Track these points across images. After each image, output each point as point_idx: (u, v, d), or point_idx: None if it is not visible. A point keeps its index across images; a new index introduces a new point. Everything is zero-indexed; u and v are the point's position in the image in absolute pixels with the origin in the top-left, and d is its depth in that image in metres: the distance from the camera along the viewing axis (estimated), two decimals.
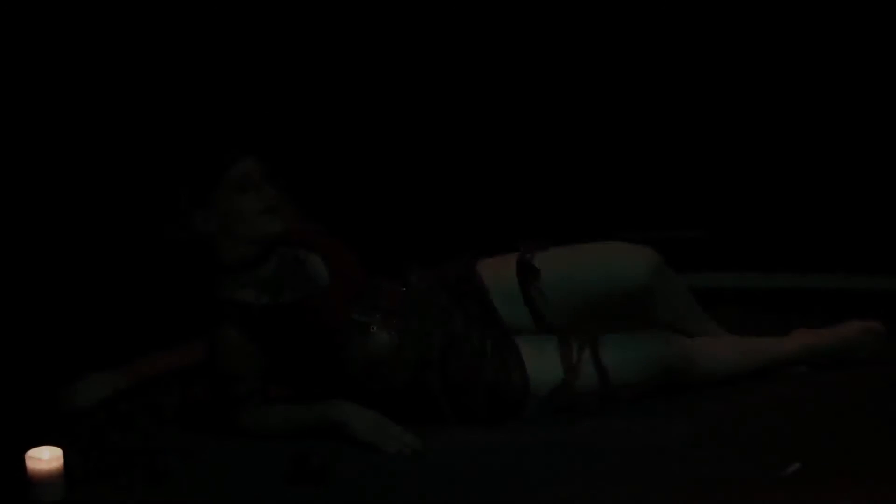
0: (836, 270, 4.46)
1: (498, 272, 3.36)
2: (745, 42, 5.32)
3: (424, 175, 5.30)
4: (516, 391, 3.22)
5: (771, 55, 5.32)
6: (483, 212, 5.37)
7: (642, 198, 5.55)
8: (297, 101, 5.10)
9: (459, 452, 3.09)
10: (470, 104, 5.35)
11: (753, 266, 4.57)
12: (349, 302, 3.22)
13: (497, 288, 3.34)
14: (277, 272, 3.22)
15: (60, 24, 4.48)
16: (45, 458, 2.77)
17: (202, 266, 3.19)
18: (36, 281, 4.19)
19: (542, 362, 3.23)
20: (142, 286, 4.36)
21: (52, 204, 4.62)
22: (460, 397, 3.22)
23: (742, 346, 3.44)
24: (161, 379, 3.74)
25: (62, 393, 3.51)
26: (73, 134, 4.68)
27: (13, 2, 4.30)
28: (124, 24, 4.65)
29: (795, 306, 4.20)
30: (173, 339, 3.94)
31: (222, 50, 4.89)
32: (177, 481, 2.98)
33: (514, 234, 4.97)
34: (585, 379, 3.22)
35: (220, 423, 3.23)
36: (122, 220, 4.01)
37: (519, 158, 5.49)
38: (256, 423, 3.19)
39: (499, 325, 3.30)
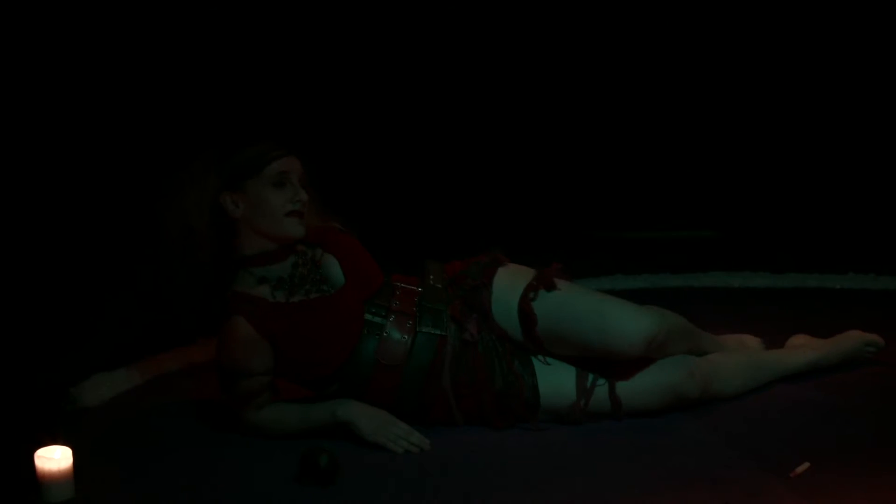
0: (846, 271, 4.46)
1: (505, 292, 3.31)
2: (752, 46, 5.34)
3: (439, 171, 5.33)
4: (526, 403, 3.22)
5: (777, 60, 5.34)
6: (504, 207, 5.40)
7: (654, 198, 5.57)
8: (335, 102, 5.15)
9: (466, 452, 3.09)
10: (487, 105, 5.38)
11: (762, 266, 4.58)
12: (363, 303, 3.23)
13: (501, 307, 3.30)
14: (293, 271, 3.21)
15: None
16: (54, 458, 2.77)
17: (221, 252, 3.18)
18: (42, 281, 4.20)
19: (555, 381, 3.22)
20: (149, 285, 4.37)
21: (57, 205, 4.63)
22: (469, 401, 3.21)
23: (751, 365, 3.42)
24: (168, 377, 3.75)
25: (70, 393, 3.51)
26: (83, 125, 4.70)
27: None
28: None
29: (802, 305, 4.20)
30: (180, 337, 3.95)
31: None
32: (186, 479, 2.99)
33: (529, 230, 5.00)
34: (597, 404, 3.22)
35: (228, 420, 3.23)
36: (135, 219, 4.01)
37: (535, 160, 5.52)
38: (264, 420, 3.18)
39: (500, 335, 3.29)
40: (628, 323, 3.15)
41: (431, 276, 3.34)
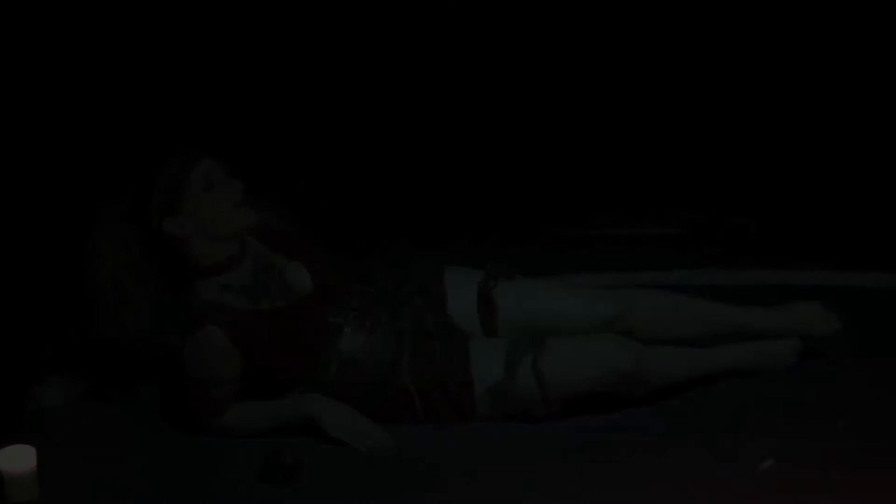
0: (809, 268, 4.48)
1: (460, 287, 3.38)
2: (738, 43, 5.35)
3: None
4: (462, 390, 3.22)
5: (746, 68, 5.35)
6: (468, 203, 5.39)
7: (620, 193, 5.58)
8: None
9: (430, 451, 3.10)
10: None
11: (728, 264, 4.59)
12: (326, 306, 3.24)
13: (455, 301, 3.37)
14: (255, 279, 3.21)
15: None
16: (17, 458, 2.76)
17: (180, 271, 3.17)
18: (4, 279, 4.18)
19: (487, 363, 3.24)
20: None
21: (20, 206, 4.60)
22: (424, 395, 3.23)
23: (689, 352, 3.43)
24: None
25: (32, 392, 3.48)
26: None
27: None
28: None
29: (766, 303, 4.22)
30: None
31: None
32: (151, 479, 2.98)
33: (493, 226, 5.00)
34: (523, 381, 3.20)
35: (192, 421, 3.21)
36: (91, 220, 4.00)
37: (498, 155, 5.51)
38: (229, 422, 3.17)
39: (450, 327, 3.34)
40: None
41: (380, 278, 3.39)
